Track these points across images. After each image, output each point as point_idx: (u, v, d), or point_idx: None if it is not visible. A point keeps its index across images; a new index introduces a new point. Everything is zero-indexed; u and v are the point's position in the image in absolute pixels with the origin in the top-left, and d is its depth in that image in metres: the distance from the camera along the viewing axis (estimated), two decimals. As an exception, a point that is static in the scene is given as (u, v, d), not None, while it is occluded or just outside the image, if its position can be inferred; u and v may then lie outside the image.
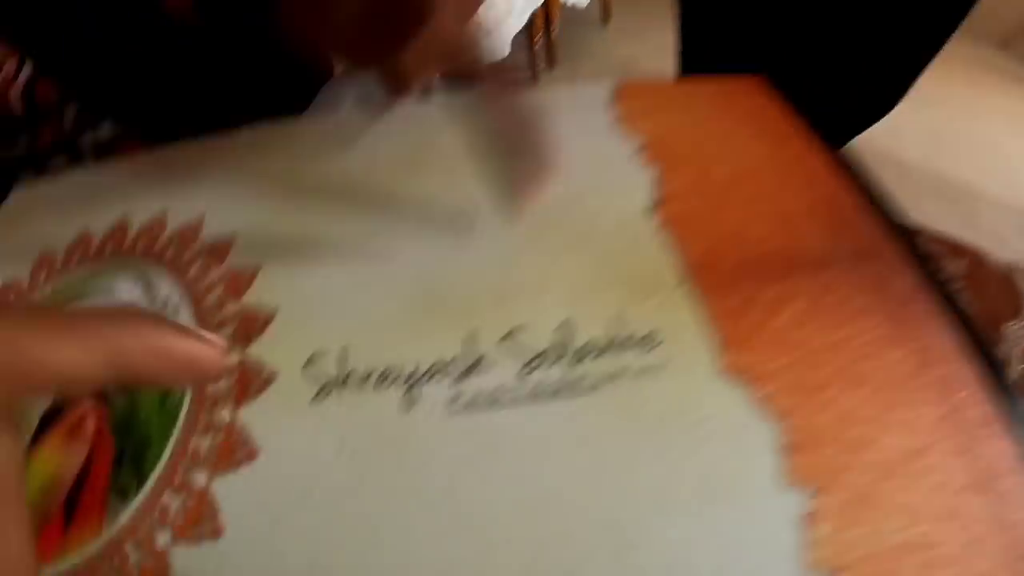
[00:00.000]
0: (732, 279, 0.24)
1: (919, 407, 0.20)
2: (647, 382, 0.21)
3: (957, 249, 0.52)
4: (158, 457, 0.22)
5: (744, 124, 0.32)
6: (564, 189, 0.29)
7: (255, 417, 0.22)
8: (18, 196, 0.34)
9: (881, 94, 0.46)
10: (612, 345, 0.22)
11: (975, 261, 0.51)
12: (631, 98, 0.34)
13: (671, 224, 0.27)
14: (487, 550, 0.18)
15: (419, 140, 0.32)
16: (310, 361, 0.23)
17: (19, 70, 0.94)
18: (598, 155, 0.30)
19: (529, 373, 0.22)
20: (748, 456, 0.19)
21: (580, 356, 0.22)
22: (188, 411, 0.23)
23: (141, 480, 0.21)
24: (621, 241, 0.26)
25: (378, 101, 0.35)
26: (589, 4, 1.53)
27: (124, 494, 0.21)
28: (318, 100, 0.48)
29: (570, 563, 0.18)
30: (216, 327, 0.25)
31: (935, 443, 0.19)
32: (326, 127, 0.35)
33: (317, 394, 0.22)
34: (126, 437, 0.22)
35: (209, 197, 0.31)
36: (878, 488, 0.18)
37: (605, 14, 1.82)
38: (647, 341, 0.22)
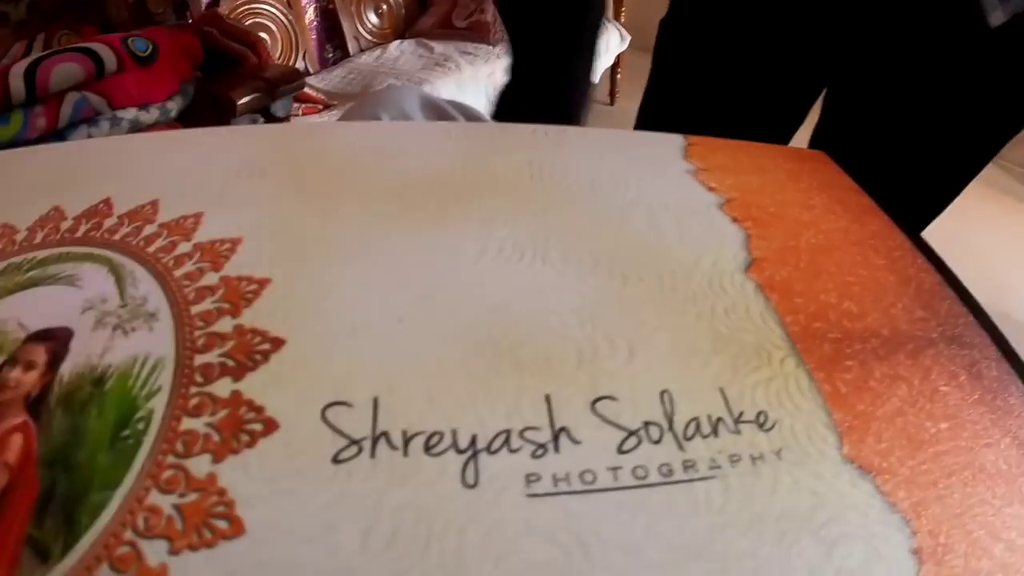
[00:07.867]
0: (836, 356, 0.21)
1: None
2: (765, 471, 0.17)
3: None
4: (97, 513, 0.15)
5: (822, 193, 0.29)
6: (649, 235, 0.25)
7: (241, 481, 0.16)
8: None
9: (938, 193, 0.45)
10: (722, 425, 0.18)
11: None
12: (705, 153, 0.31)
13: (768, 289, 0.23)
14: None
15: (477, 159, 0.28)
16: (327, 412, 0.17)
17: (27, 52, 0.88)
18: (681, 204, 0.27)
19: (625, 453, 0.17)
20: (887, 564, 0.15)
21: (686, 436, 0.17)
22: (148, 455, 0.17)
23: (70, 541, 0.15)
24: (718, 301, 0.22)
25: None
26: (598, 85, 1.59)
27: (44, 555, 0.14)
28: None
29: None
30: (203, 349, 0.19)
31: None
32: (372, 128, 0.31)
33: (335, 458, 0.16)
34: (58, 474, 0.16)
35: (210, 189, 0.26)
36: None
37: (612, 96, 1.91)
38: (760, 422, 0.18)
